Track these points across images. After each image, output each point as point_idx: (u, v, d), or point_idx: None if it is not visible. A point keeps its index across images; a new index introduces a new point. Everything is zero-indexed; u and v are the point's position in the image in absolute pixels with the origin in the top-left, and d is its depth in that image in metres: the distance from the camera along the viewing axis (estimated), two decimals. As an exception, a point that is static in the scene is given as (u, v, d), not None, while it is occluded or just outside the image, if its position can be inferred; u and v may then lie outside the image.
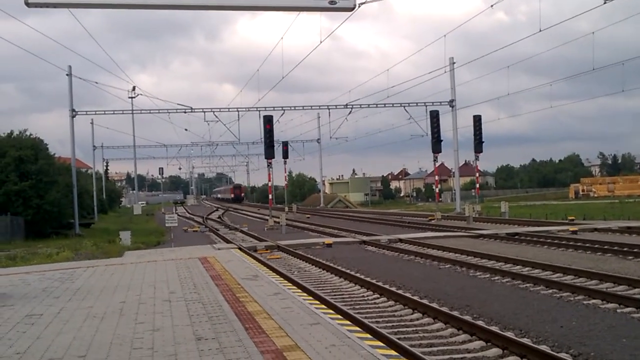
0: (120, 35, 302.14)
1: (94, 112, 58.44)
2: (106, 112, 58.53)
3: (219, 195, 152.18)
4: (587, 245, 22.71)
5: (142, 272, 18.65)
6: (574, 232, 28.10)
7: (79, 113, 49.06)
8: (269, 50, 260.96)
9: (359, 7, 6.90)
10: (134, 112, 59.35)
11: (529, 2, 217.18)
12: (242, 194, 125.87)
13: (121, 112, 58.27)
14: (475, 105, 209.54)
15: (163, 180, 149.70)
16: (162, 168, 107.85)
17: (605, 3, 25.87)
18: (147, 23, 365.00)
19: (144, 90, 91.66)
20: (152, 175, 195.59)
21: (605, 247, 21.87)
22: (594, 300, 12.84)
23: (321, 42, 31.17)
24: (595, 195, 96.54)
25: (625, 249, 20.96)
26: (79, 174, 52.20)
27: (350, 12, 6.93)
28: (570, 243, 23.65)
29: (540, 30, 33.16)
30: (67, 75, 45.99)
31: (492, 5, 35.15)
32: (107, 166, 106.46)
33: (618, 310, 11.91)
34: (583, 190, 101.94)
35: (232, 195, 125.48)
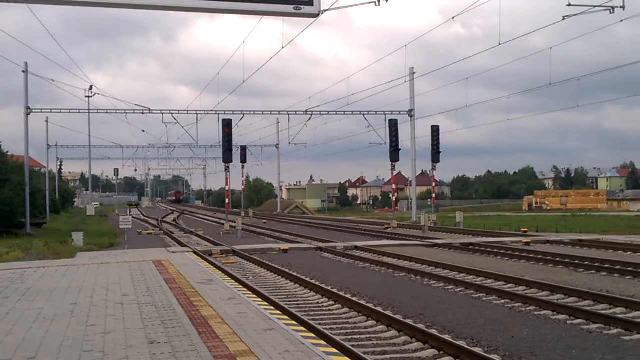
0: (74, 34, 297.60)
1: (49, 110, 57.55)
2: (62, 111, 57.85)
3: (169, 198, 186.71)
4: (540, 257, 23.05)
5: (95, 274, 18.38)
6: (527, 244, 28.51)
7: (34, 111, 48.22)
8: (225, 54, 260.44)
9: (323, 14, 6.90)
10: (91, 111, 58.63)
11: (486, 17, 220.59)
12: (181, 197, 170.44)
13: (77, 111, 57.55)
14: (432, 116, 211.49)
15: (118, 181, 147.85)
16: (117, 169, 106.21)
17: (564, 19, 26.34)
18: (102, 22, 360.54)
19: (101, 90, 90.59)
20: (107, 176, 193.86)
21: (557, 259, 22.23)
22: (545, 311, 13.04)
23: (283, 47, 31.25)
24: (548, 208, 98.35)
25: (576, 262, 21.33)
26: (32, 173, 51.26)
27: (314, 19, 6.94)
28: (523, 254, 23.97)
29: (500, 44, 33.65)
30: (23, 72, 45.16)
31: (453, 17, 35.71)
32: (61, 166, 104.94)
33: (568, 322, 12.10)
34: (536, 203, 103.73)
35: (174, 197, 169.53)
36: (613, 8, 24.84)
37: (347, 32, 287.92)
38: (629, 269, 19.10)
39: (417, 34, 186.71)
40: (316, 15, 6.55)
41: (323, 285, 16.68)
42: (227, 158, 41.29)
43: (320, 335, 10.59)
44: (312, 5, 6.46)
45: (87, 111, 58.70)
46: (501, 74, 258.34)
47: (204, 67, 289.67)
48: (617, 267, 19.66)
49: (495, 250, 25.94)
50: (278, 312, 12.47)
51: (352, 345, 10.18)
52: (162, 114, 54.75)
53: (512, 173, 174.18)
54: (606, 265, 20.03)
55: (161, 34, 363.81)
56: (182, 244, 32.18)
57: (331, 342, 10.09)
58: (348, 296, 14.93)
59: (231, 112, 53.67)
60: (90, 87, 57.86)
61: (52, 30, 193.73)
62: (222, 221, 48.05)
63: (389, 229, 42.31)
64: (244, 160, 67.44)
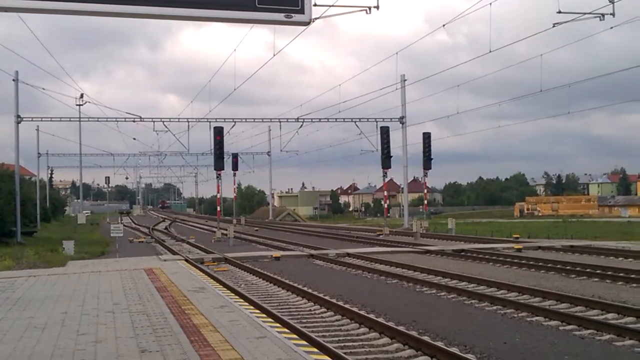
0: (59, 43, 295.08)
1: (39, 119, 57.35)
2: (53, 119, 57.53)
3: (158, 206, 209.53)
4: (531, 263, 23.08)
5: (86, 283, 18.30)
6: (519, 250, 28.55)
7: (24, 119, 48.06)
8: (212, 62, 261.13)
9: (314, 22, 6.89)
10: (82, 119, 58.50)
11: (470, 24, 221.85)
12: (167, 205, 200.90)
13: (68, 119, 57.37)
14: (422, 123, 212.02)
15: (109, 189, 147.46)
16: (108, 177, 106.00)
17: (554, 26, 26.44)
18: (87, 31, 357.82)
19: (92, 98, 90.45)
20: (98, 184, 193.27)
21: (549, 265, 22.27)
22: (537, 317, 13.05)
23: (274, 55, 31.28)
24: (540, 214, 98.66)
25: (568, 268, 21.38)
26: (22, 181, 51.03)
27: (305, 27, 6.93)
28: (515, 261, 24.00)
29: (490, 51, 33.77)
30: (13, 80, 45.05)
31: (444, 25, 35.85)
32: (51, 174, 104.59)
33: (560, 328, 12.12)
34: (528, 209, 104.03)
35: (161, 205, 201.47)
36: (603, 15, 24.96)
37: (333, 40, 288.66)
38: (621, 274, 19.15)
39: (403, 42, 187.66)
40: (307, 24, 6.54)
41: (315, 293, 16.65)
42: (219, 166, 41.27)
43: (313, 342, 10.56)
44: (303, 13, 6.45)
45: (77, 119, 58.58)
46: (489, 81, 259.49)
47: (191, 76, 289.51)
48: (609, 272, 19.70)
49: (487, 257, 25.96)
50: (270, 319, 12.43)
51: (345, 353, 10.16)
52: (153, 121, 54.73)
53: (503, 179, 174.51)
54: (598, 271, 20.07)
55: (147, 43, 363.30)
56: (173, 252, 32.10)
57: (324, 349, 10.07)
58: (340, 303, 14.92)
59: (222, 120, 53.62)
60: (81, 96, 57.79)
61: (36, 39, 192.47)
62: (214, 229, 47.97)
63: (381, 236, 42.30)
64: (235, 167, 67.32)
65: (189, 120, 55.68)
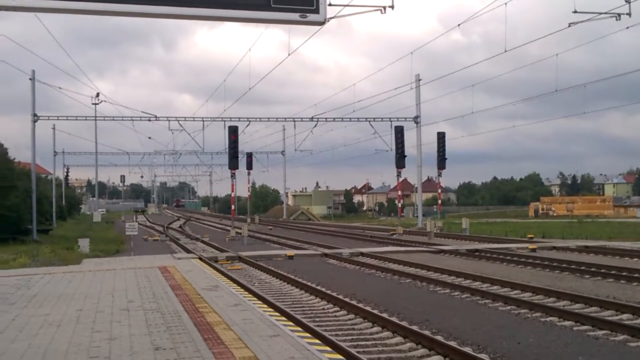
0: (73, 42, 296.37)
1: (56, 118, 57.71)
2: (69, 118, 57.81)
3: (173, 204, 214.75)
4: (546, 263, 22.99)
5: (101, 281, 18.42)
6: (533, 250, 28.43)
7: (40, 118, 48.36)
8: (226, 62, 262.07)
9: (329, 21, 6.93)
10: (97, 118, 58.81)
11: (484, 24, 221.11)
12: (181, 203, 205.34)
13: (84, 118, 57.68)
14: (436, 123, 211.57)
15: (124, 188, 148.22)
16: (123, 176, 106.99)
17: (569, 26, 26.30)
18: (102, 30, 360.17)
19: (108, 97, 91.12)
20: (113, 183, 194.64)
21: (563, 265, 22.17)
22: (551, 318, 13.00)
23: (289, 54, 31.33)
24: (555, 214, 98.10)
25: (582, 268, 21.28)
26: (38, 179, 51.35)
27: (319, 27, 6.96)
28: (529, 261, 23.91)
29: (506, 51, 33.64)
30: (30, 79, 45.37)
31: (459, 25, 35.74)
32: (67, 172, 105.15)
33: (574, 328, 12.07)
34: (542, 209, 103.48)
35: (175, 204, 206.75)
36: (619, 15, 24.80)
37: (348, 39, 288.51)
38: (636, 275, 19.02)
39: (417, 42, 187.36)
40: (322, 23, 6.57)
41: (329, 292, 16.68)
42: (233, 165, 41.34)
43: (326, 341, 10.59)
44: (318, 13, 6.48)
45: (93, 118, 58.93)
46: (503, 81, 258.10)
47: (206, 75, 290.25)
48: (624, 273, 19.58)
49: (501, 257, 25.88)
50: (283, 318, 12.47)
51: (358, 352, 10.18)
52: (169, 121, 55.03)
53: (518, 179, 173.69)
54: (612, 272, 19.97)
55: (162, 42, 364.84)
56: (187, 250, 32.21)
57: (337, 348, 10.09)
58: (354, 302, 14.93)
59: (237, 119, 53.77)
60: (97, 95, 58.18)
61: (51, 39, 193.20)
62: (228, 227, 48.10)
63: (394, 236, 42.23)
64: (249, 166, 67.52)
65: (204, 119, 55.95)
